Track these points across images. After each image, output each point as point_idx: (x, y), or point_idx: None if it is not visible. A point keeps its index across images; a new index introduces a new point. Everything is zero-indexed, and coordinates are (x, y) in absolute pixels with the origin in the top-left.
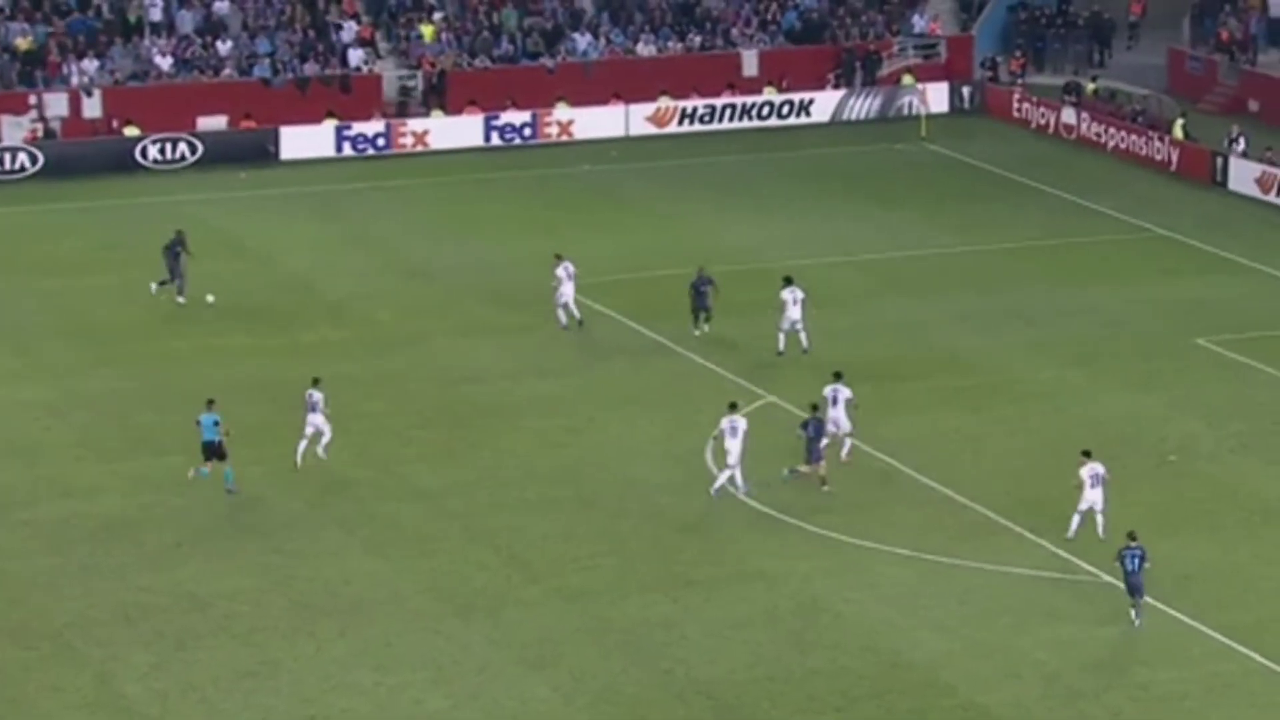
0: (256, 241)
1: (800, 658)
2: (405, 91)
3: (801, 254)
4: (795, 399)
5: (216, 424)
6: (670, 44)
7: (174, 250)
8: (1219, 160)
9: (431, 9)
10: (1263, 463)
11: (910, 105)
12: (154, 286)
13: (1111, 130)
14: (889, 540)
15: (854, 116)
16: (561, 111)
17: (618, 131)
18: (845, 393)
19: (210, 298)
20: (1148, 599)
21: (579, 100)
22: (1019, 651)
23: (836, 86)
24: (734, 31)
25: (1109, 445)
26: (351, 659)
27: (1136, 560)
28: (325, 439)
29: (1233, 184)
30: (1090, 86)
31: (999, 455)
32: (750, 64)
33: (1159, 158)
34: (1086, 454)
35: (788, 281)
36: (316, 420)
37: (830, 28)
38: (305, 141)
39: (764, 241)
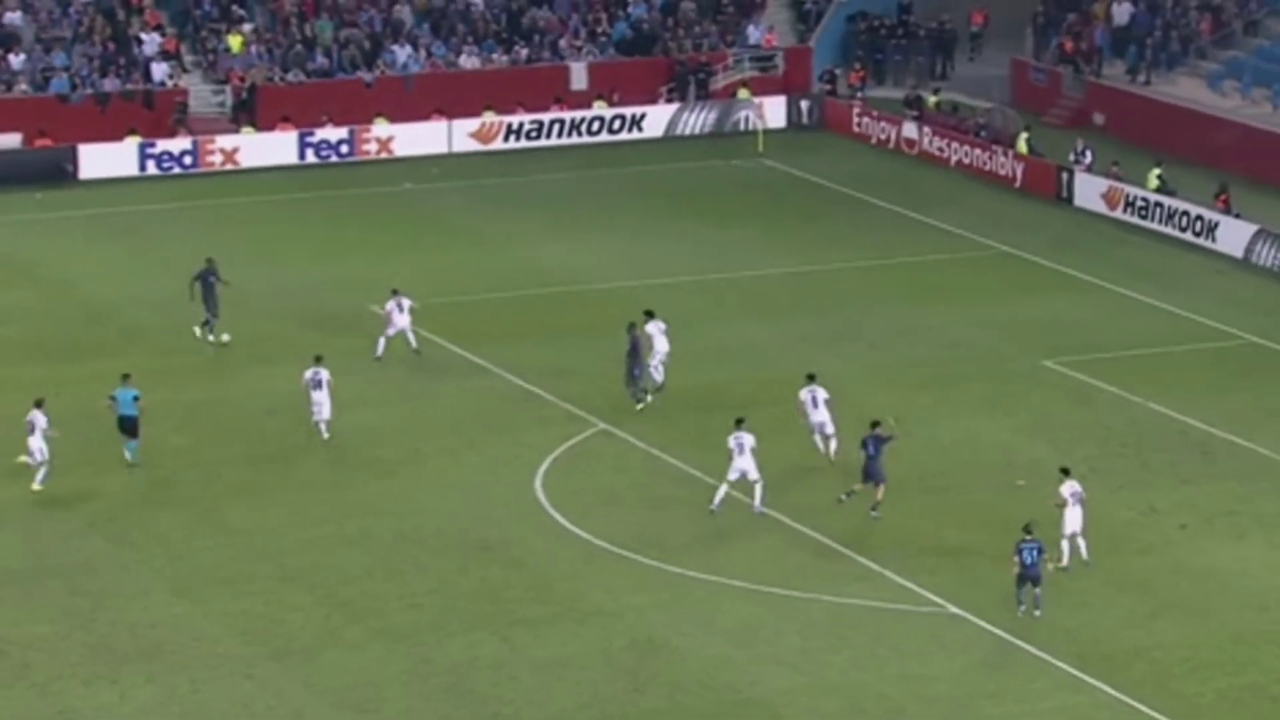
0: (54, 267)
1: (636, 697)
2: (182, 109)
3: (635, 275)
4: (631, 429)
5: (136, 399)
6: (495, 56)
7: (207, 280)
8: (1064, 175)
9: (240, 19)
10: (1111, 488)
11: (746, 120)
12: (197, 330)
13: (954, 145)
14: (727, 573)
15: (688, 131)
16: (380, 128)
17: (440, 148)
18: (823, 393)
19: (226, 337)
20: (987, 625)
21: (399, 116)
22: (863, 686)
23: (669, 100)
24: (562, 43)
25: (954, 471)
26: (157, 706)
27: (1035, 553)
28: (325, 418)
29: (1079, 200)
30: (932, 100)
31: (843, 482)
32: (579, 77)
33: (1003, 173)
34: (1065, 471)
35: (650, 315)
36: (321, 398)
37: (662, 39)
38: (106, 160)
39: (595, 262)
